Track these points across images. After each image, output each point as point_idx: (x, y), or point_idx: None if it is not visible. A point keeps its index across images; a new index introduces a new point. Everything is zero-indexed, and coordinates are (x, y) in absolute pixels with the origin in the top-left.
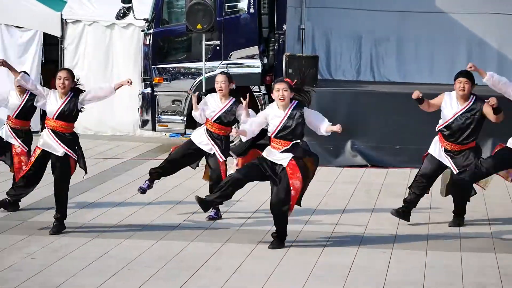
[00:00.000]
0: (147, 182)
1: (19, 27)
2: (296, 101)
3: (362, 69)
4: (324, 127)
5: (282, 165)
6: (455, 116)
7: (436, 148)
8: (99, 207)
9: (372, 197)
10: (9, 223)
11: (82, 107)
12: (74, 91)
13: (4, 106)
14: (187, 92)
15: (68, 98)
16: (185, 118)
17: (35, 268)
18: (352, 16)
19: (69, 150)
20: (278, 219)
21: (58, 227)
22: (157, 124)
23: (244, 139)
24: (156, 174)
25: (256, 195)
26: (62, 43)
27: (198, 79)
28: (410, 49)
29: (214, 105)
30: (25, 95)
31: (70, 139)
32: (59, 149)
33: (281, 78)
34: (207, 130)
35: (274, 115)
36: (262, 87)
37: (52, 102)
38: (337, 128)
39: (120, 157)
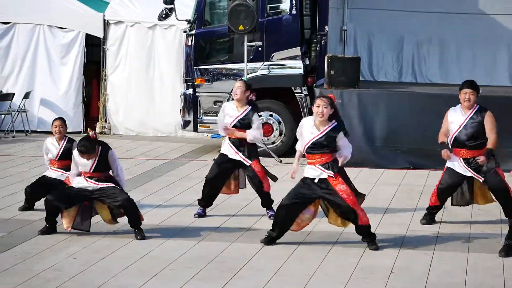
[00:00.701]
0: (200, 208)
1: (62, 28)
2: (336, 123)
3: (404, 71)
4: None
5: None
6: (463, 124)
7: (455, 162)
8: (140, 208)
9: (414, 199)
10: None
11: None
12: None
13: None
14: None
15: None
16: None
17: (77, 268)
18: (394, 17)
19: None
20: (357, 227)
21: (138, 232)
22: (198, 125)
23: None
24: (204, 202)
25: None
26: (104, 44)
27: None
28: (451, 51)
29: (231, 112)
30: (63, 141)
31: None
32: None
33: (324, 94)
34: (229, 138)
35: (309, 132)
36: (304, 89)
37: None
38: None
39: (162, 158)
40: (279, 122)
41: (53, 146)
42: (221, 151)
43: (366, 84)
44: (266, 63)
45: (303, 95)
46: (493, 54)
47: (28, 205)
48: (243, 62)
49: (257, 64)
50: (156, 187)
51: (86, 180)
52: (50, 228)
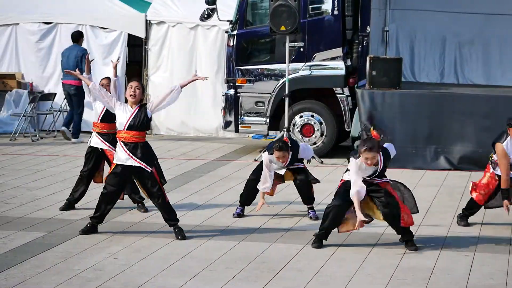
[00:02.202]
0: (239, 208)
1: (104, 28)
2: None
3: (446, 72)
4: None
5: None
6: None
7: None
8: (181, 208)
9: (455, 200)
10: None
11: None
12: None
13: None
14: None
15: (138, 108)
16: (268, 120)
17: (117, 268)
18: (436, 18)
19: (142, 163)
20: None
21: (179, 232)
22: (240, 125)
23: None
24: (243, 201)
25: None
26: (146, 44)
27: (281, 81)
28: (494, 52)
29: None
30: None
31: (144, 150)
32: (132, 163)
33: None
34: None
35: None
36: (346, 89)
37: (121, 113)
38: None
39: (203, 158)
40: (321, 123)
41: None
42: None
43: (408, 85)
44: (307, 63)
45: (344, 96)
46: None
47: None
48: (285, 62)
49: (299, 65)
50: (197, 187)
51: None
52: (91, 228)
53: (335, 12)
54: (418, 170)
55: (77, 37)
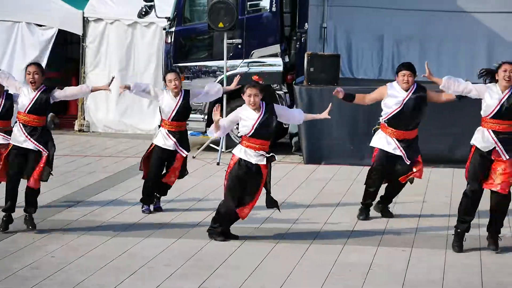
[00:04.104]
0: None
1: (40, 25)
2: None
3: (384, 68)
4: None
5: None
6: (404, 102)
7: (385, 142)
8: (119, 205)
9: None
10: None
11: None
12: (46, 85)
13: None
14: None
15: (39, 92)
16: (205, 117)
17: (55, 266)
18: (374, 14)
19: (40, 146)
20: None
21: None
22: None
23: None
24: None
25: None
26: (84, 41)
27: (219, 78)
28: (432, 48)
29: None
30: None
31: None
32: (29, 145)
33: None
34: None
35: None
36: (284, 86)
37: (24, 95)
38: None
39: (141, 155)
40: None
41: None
42: None
43: (346, 81)
44: (246, 60)
45: (282, 92)
46: (472, 51)
47: None
48: (223, 59)
49: (237, 62)
50: (135, 185)
51: None
52: (7, 220)
53: (273, 9)
54: (356, 166)
55: None
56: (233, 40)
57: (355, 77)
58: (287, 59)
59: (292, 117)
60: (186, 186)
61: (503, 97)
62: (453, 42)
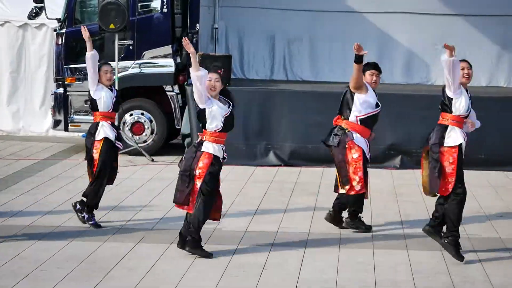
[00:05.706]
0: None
1: None
2: None
3: (276, 68)
4: None
5: None
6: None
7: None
8: (10, 208)
9: (285, 196)
10: None
11: None
12: None
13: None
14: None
15: None
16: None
17: None
18: (265, 15)
19: None
20: None
21: None
22: (69, 124)
23: None
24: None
25: (166, 196)
26: None
27: None
28: (323, 48)
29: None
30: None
31: None
32: None
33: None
34: None
35: None
36: (175, 87)
37: None
38: None
39: (33, 157)
40: (151, 121)
41: None
42: None
43: (238, 81)
44: (137, 61)
45: (174, 93)
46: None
47: None
48: (114, 60)
49: (128, 63)
50: (27, 187)
51: None
52: None
53: (164, 10)
54: (249, 166)
55: None
56: (124, 41)
57: (247, 77)
58: (178, 60)
59: None
60: (79, 189)
61: (469, 95)
62: (343, 42)
